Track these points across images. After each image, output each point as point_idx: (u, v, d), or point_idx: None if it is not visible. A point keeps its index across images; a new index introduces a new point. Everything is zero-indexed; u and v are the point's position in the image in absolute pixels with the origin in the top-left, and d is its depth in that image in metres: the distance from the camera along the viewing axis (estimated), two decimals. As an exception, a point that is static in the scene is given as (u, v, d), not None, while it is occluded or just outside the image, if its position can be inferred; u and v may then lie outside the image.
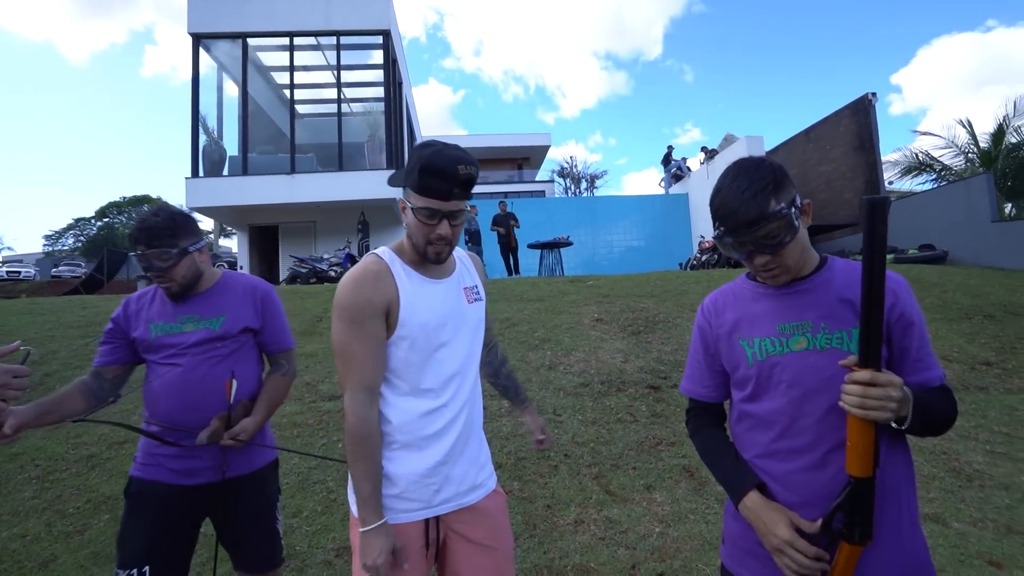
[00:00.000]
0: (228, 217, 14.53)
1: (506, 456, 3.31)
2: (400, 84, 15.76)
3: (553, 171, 36.30)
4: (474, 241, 10.94)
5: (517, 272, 11.10)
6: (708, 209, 1.05)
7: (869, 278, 0.85)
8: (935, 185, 12.02)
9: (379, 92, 14.26)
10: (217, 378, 1.57)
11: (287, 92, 14.15)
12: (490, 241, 11.42)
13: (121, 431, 3.47)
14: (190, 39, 13.14)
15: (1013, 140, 11.57)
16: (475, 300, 1.34)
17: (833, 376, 0.94)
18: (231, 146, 13.87)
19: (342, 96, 14.14)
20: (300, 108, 15.17)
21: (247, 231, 14.56)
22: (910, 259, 9.13)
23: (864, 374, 0.87)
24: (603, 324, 5.44)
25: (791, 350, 1.00)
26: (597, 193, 36.26)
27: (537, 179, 31.41)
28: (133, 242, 1.58)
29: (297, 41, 13.66)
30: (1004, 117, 11.66)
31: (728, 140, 14.28)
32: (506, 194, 22.99)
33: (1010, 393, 4.19)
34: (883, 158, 10.78)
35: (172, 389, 1.54)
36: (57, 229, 39.39)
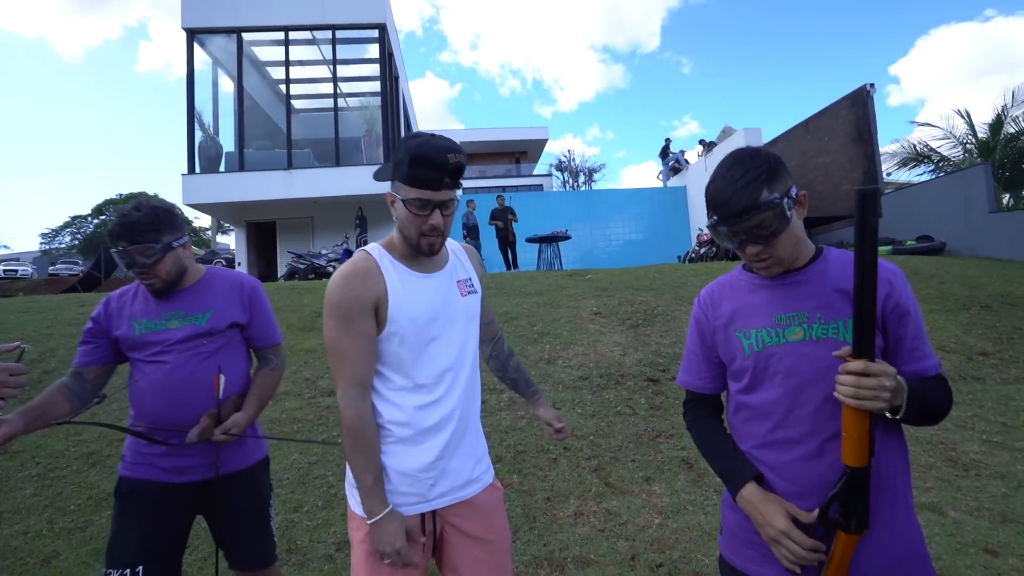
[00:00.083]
0: (225, 213, 14.48)
1: (505, 449, 3.32)
2: (397, 78, 15.69)
3: (551, 165, 36.25)
4: (472, 235, 10.93)
5: (515, 266, 11.10)
6: (721, 234, 1.05)
7: (861, 268, 0.86)
8: (933, 176, 12.01)
9: (375, 86, 14.20)
10: (205, 374, 1.55)
11: (283, 87, 14.08)
12: (488, 235, 11.42)
13: (121, 428, 3.47)
14: (184, 34, 13.05)
15: (1011, 130, 11.56)
16: (469, 293, 1.32)
17: (829, 366, 0.94)
18: (227, 142, 13.82)
19: (338, 91, 14.08)
20: (296, 103, 15.10)
21: (244, 227, 14.52)
22: (908, 250, 9.14)
23: (857, 364, 0.87)
24: (602, 317, 5.45)
25: (787, 341, 1.00)
26: (595, 187, 36.21)
27: (535, 173, 31.35)
28: (113, 238, 1.53)
29: (292, 35, 13.58)
30: (1002, 107, 11.64)
31: (726, 132, 14.25)
32: (504, 188, 22.99)
33: (1006, 383, 4.21)
34: (881, 149, 10.76)
35: (159, 387, 1.52)
36: (54, 227, 39.29)
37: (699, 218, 14.27)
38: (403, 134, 16.47)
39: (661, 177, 16.90)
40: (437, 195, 1.16)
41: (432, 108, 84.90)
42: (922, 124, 12.94)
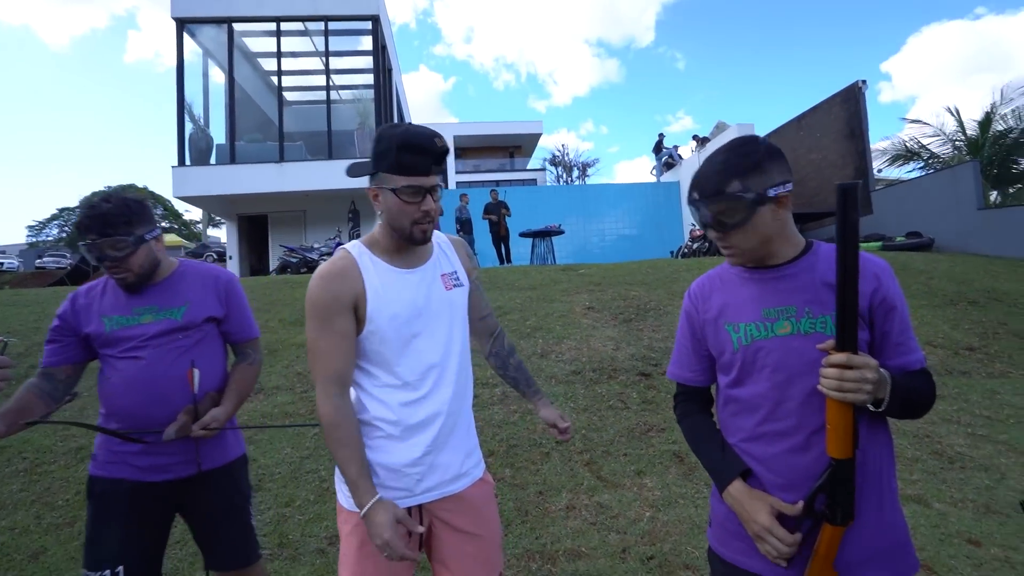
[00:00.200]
0: (216, 206, 14.34)
1: (498, 443, 3.34)
2: (390, 71, 15.56)
3: (545, 159, 36.30)
4: (465, 230, 10.91)
5: (509, 261, 11.09)
6: (694, 212, 1.08)
7: (843, 262, 0.87)
8: (923, 173, 12.13)
9: (369, 79, 14.06)
10: (182, 370, 1.51)
11: (275, 79, 13.91)
12: (482, 230, 11.39)
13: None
14: (174, 24, 12.86)
15: (1000, 128, 11.68)
16: (454, 286, 1.31)
17: (816, 360, 0.95)
18: (218, 134, 13.65)
19: (331, 83, 13.93)
20: (288, 95, 14.93)
21: (236, 221, 14.39)
22: (897, 246, 9.23)
23: (840, 357, 0.89)
24: (594, 312, 5.47)
25: (775, 335, 1.01)
26: (589, 181, 36.24)
27: (529, 167, 31.31)
28: (82, 231, 1.46)
29: (284, 27, 13.40)
30: (991, 105, 11.77)
31: (719, 128, 14.29)
32: (497, 182, 22.92)
33: (992, 377, 4.28)
34: (873, 146, 10.85)
35: (135, 383, 1.47)
36: (41, 219, 38.71)
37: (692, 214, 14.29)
38: (396, 127, 16.32)
39: (654, 172, 16.91)
40: (428, 180, 1.17)
41: (426, 101, 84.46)
42: (913, 121, 13.01)
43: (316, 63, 14.24)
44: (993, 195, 12.11)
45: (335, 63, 14.18)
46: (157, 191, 38.51)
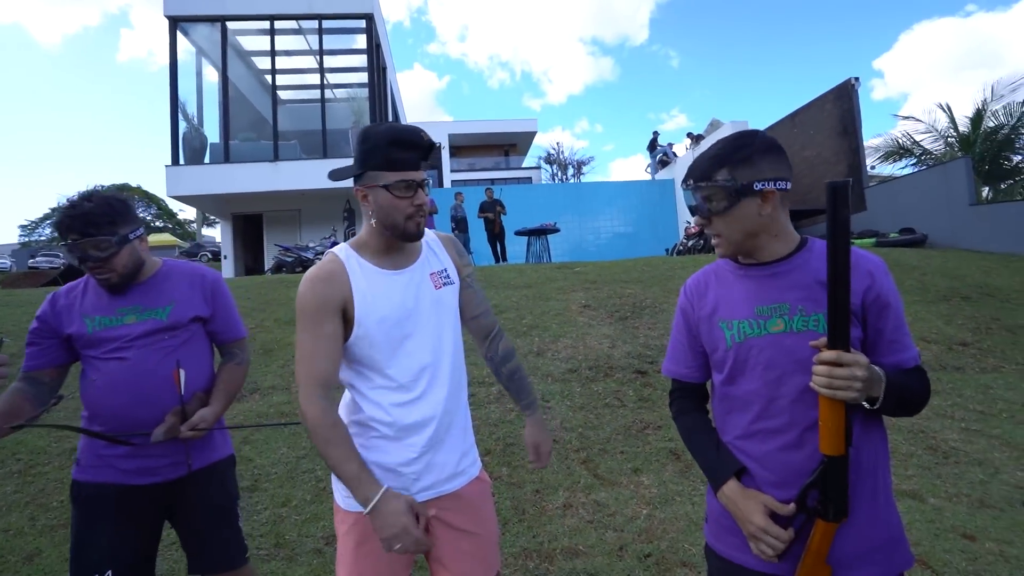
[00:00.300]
0: (211, 206, 14.27)
1: (495, 442, 3.34)
2: (384, 69, 15.51)
3: (540, 158, 36.14)
4: (461, 228, 10.90)
5: (504, 259, 11.09)
6: (685, 195, 1.11)
7: (834, 260, 0.87)
8: (916, 169, 12.19)
9: (363, 77, 14.03)
10: (168, 370, 1.49)
11: (268, 77, 13.86)
12: (477, 228, 11.38)
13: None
14: (167, 22, 12.77)
15: (991, 124, 11.76)
16: (444, 285, 1.30)
17: (808, 358, 0.96)
18: (212, 133, 13.59)
19: (325, 82, 13.88)
20: (282, 94, 14.88)
21: (230, 220, 14.33)
22: (891, 242, 9.28)
23: (830, 354, 0.89)
24: (590, 310, 5.47)
25: (768, 332, 1.02)
26: (584, 179, 36.19)
27: (524, 166, 31.28)
28: (63, 231, 1.42)
29: (278, 25, 13.34)
30: (983, 101, 11.83)
31: (714, 125, 14.31)
32: (493, 181, 22.88)
33: (985, 372, 4.31)
34: (866, 143, 10.89)
35: (120, 384, 1.44)
36: (34, 219, 38.35)
37: (687, 211, 14.29)
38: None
39: (649, 170, 16.93)
40: (418, 175, 1.19)
41: (420, 100, 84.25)
42: (905, 118, 13.07)
43: (310, 61, 14.19)
44: (985, 191, 12.19)
45: (329, 61, 14.14)
46: (151, 190, 38.33)
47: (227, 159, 12.86)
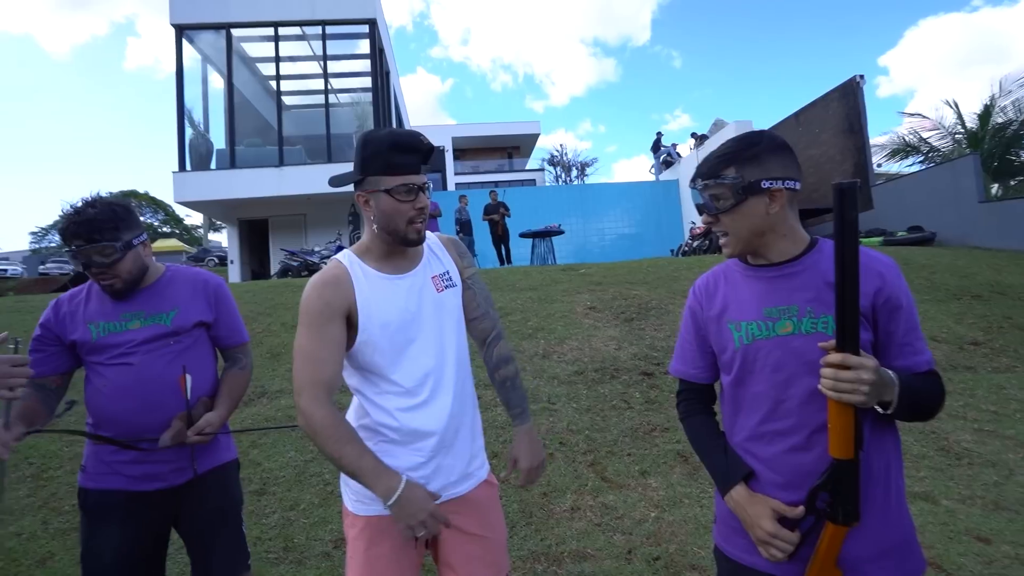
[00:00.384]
0: (217, 211, 14.38)
1: (501, 445, 3.33)
2: (388, 74, 15.59)
3: (543, 159, 36.26)
4: (465, 231, 10.91)
5: (509, 261, 11.09)
6: (693, 193, 1.11)
7: (841, 262, 0.87)
8: (923, 167, 12.09)
9: (366, 82, 14.08)
10: (174, 375, 1.49)
11: (273, 83, 13.94)
12: (481, 231, 11.39)
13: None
14: (173, 30, 12.89)
15: (999, 120, 11.65)
16: (446, 287, 1.30)
17: (816, 360, 0.95)
18: (218, 139, 13.69)
19: (329, 87, 13.96)
20: (287, 99, 14.96)
21: (236, 225, 14.42)
22: (899, 241, 9.21)
23: (836, 357, 0.88)
24: (596, 312, 5.46)
25: (776, 334, 1.01)
26: (588, 181, 36.22)
27: (527, 168, 31.32)
28: (68, 237, 1.43)
29: (282, 31, 13.44)
30: (990, 97, 11.73)
31: (717, 125, 14.27)
32: (496, 183, 22.89)
33: (997, 372, 4.26)
34: (872, 141, 10.82)
35: (127, 389, 1.45)
36: (44, 225, 38.75)
37: (691, 211, 14.28)
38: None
39: (653, 171, 16.91)
40: (419, 178, 1.19)
41: (423, 103, 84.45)
42: (911, 115, 12.98)
43: (314, 67, 14.27)
44: (995, 188, 12.07)
45: (333, 67, 14.21)
46: (158, 196, 38.68)
47: (233, 165, 12.96)
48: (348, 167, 1.30)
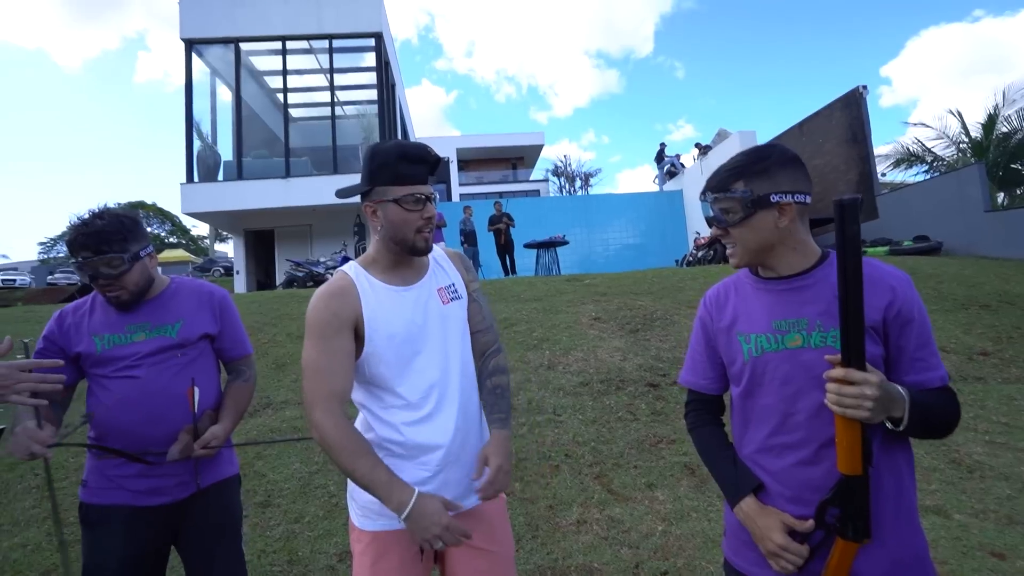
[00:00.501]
0: (224, 222, 14.49)
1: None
2: (393, 86, 15.75)
3: (547, 170, 36.33)
4: (470, 242, 10.94)
5: (513, 272, 11.10)
6: (702, 206, 1.11)
7: (844, 276, 0.86)
8: (927, 176, 12.07)
9: (372, 94, 14.24)
10: (179, 388, 1.48)
11: (280, 96, 14.14)
12: (486, 241, 11.42)
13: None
14: (183, 44, 13.10)
15: (1004, 129, 11.64)
16: (452, 299, 1.30)
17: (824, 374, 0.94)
18: (225, 151, 13.86)
19: (335, 99, 14.12)
20: (294, 112, 15.15)
21: (243, 236, 14.53)
22: (905, 251, 9.16)
23: (838, 371, 0.87)
24: (601, 323, 5.45)
25: (786, 347, 1.00)
26: (592, 191, 36.32)
27: (532, 179, 31.43)
28: (75, 248, 1.42)
29: (289, 45, 13.64)
30: (994, 107, 11.74)
31: (721, 135, 14.29)
32: (501, 194, 22.97)
33: (1008, 382, 4.21)
34: (876, 150, 10.80)
35: (132, 402, 1.44)
36: (52, 236, 39.12)
37: (696, 222, 14.28)
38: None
39: (657, 181, 16.94)
40: (426, 188, 1.21)
41: (428, 115, 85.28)
42: (915, 124, 13.13)
43: (321, 80, 14.46)
44: (1000, 196, 12.03)
45: (339, 79, 14.39)
46: (166, 207, 39.05)
47: (240, 176, 13.09)
48: (354, 179, 1.31)
